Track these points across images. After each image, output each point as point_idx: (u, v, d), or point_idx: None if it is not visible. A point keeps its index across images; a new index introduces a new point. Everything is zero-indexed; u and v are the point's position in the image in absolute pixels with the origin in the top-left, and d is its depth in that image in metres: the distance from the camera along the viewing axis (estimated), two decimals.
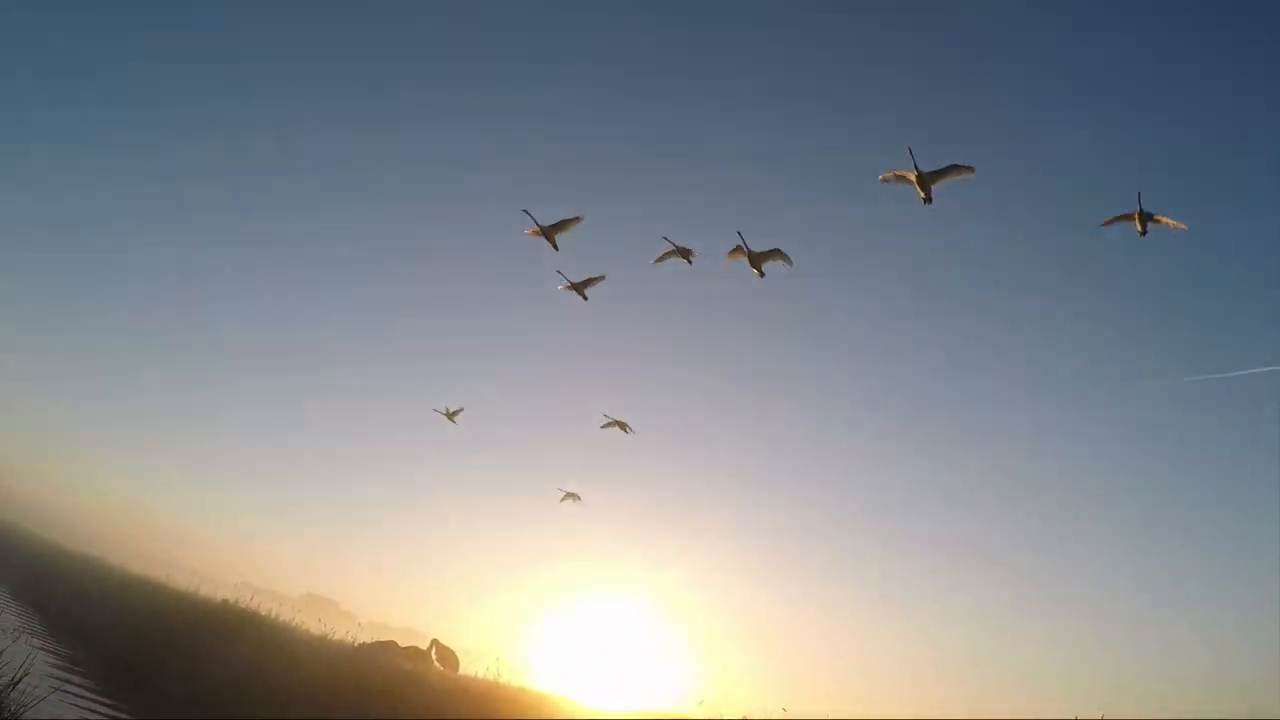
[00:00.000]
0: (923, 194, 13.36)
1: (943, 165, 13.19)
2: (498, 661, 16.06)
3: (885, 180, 13.54)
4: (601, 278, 15.32)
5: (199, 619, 18.49)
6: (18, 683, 3.91)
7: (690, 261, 15.08)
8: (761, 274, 15.28)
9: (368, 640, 18.16)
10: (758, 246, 14.95)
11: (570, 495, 20.25)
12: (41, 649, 12.56)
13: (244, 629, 17.37)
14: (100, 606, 22.86)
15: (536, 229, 13.96)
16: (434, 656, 18.00)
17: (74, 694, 11.48)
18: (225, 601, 19.93)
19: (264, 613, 19.12)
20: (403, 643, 19.15)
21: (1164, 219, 12.75)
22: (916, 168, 13.15)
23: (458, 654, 18.72)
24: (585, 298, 15.59)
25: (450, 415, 19.28)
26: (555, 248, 14.15)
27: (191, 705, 13.19)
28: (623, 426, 18.69)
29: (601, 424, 19.37)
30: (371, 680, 13.29)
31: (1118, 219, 13.37)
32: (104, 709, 11.47)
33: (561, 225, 14.01)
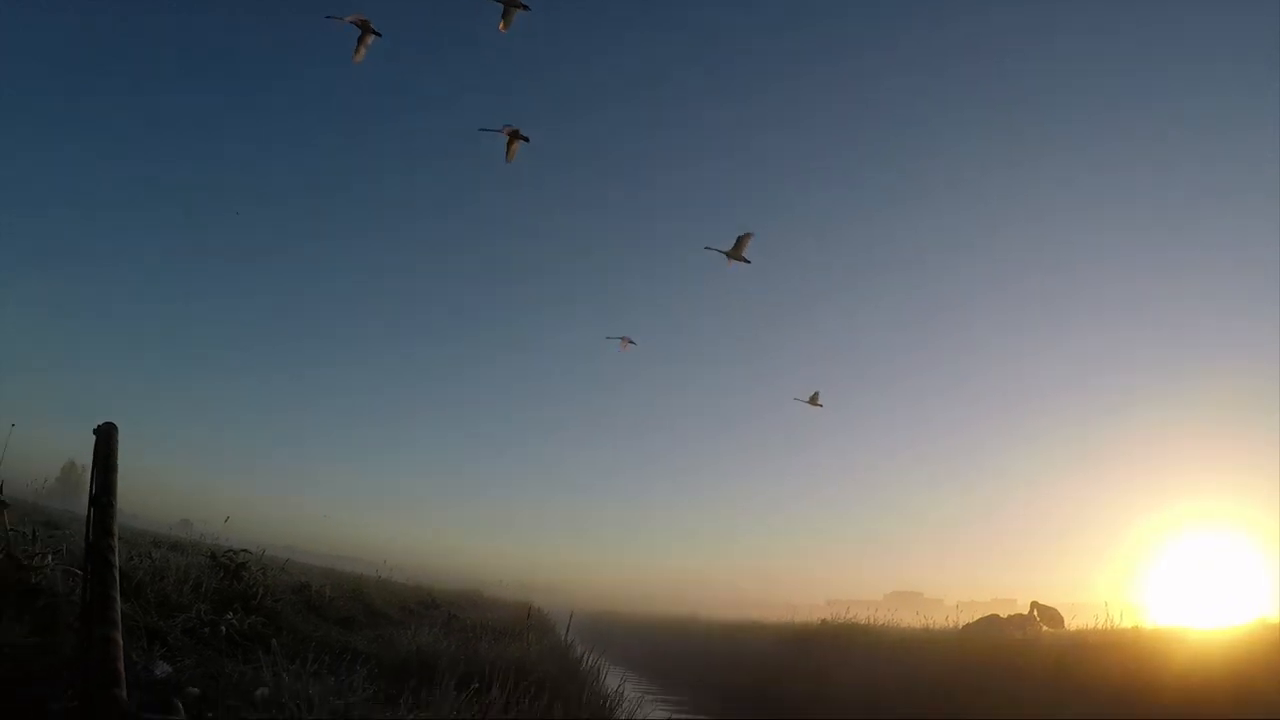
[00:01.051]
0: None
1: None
2: (1106, 607, 14.80)
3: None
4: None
5: (805, 641, 18.93)
6: None
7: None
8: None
9: (969, 620, 17.50)
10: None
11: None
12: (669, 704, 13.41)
13: (852, 638, 17.48)
14: (701, 656, 24.28)
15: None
16: (1037, 617, 17.07)
17: None
18: (823, 621, 20.14)
19: (862, 620, 19.11)
20: (1002, 614, 18.38)
21: None
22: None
23: (1060, 610, 17.63)
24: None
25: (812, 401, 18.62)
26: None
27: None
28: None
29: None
30: (989, 654, 12.86)
31: None
32: None
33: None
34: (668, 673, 22.28)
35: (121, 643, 0.73)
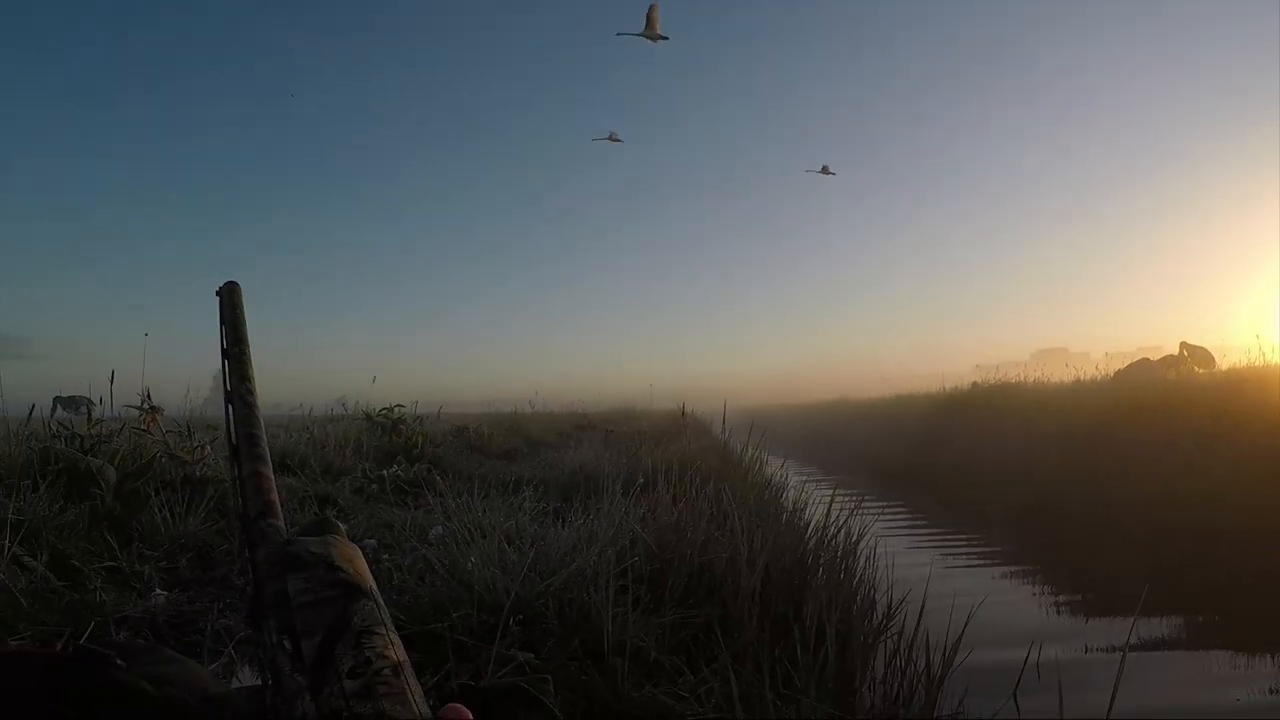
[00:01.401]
0: None
1: None
2: (1258, 340, 14.14)
3: None
4: None
5: (956, 408, 18.63)
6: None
7: None
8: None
9: (1120, 367, 16.97)
10: None
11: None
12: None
13: (1004, 399, 17.09)
14: (852, 437, 24.35)
15: None
16: (1187, 357, 16.45)
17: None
18: (974, 385, 19.71)
19: (1012, 380, 18.68)
20: (1151, 358, 17.79)
21: None
22: None
23: (1209, 349, 16.96)
24: None
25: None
26: None
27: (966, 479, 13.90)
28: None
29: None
30: (1142, 397, 12.48)
31: None
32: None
33: None
34: (820, 456, 22.42)
35: (272, 476, 0.69)
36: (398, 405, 10.38)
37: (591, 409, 25.11)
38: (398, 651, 0.64)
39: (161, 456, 5.05)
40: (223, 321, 0.99)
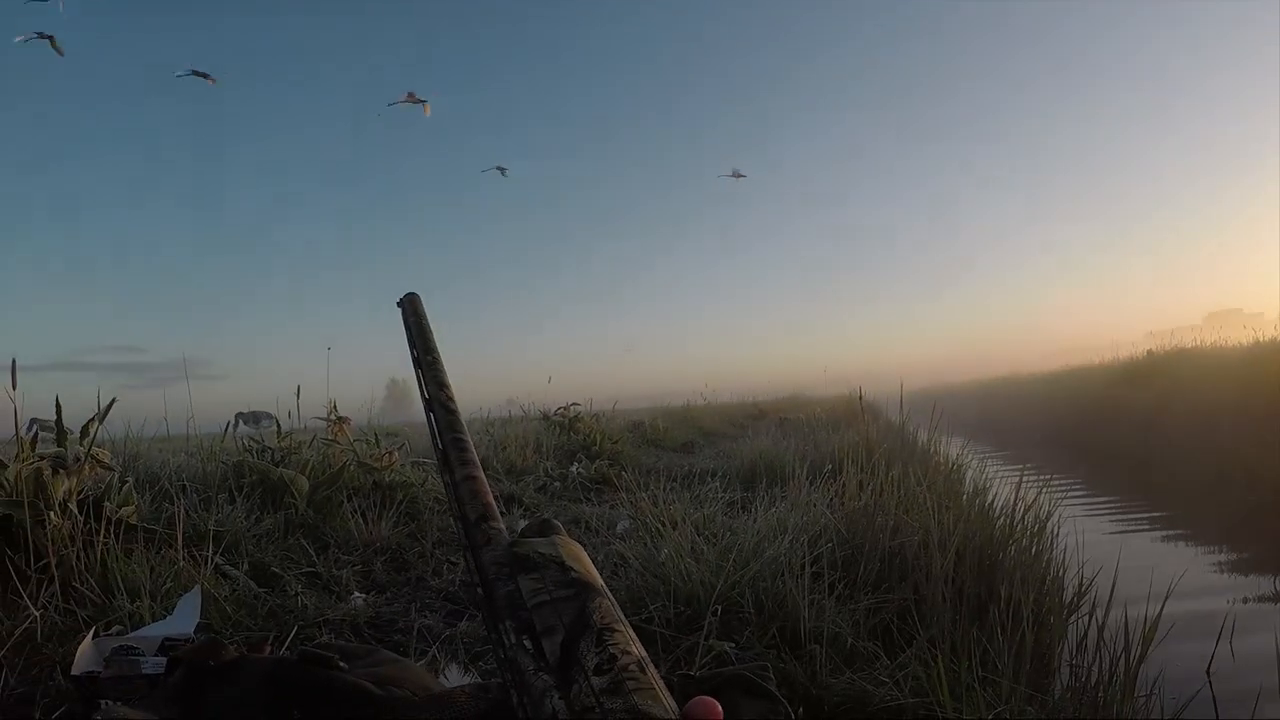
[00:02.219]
0: None
1: None
2: None
3: None
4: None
5: (1132, 376, 17.95)
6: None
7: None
8: None
9: None
10: None
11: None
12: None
13: (1180, 365, 16.41)
14: (1023, 411, 23.78)
15: None
16: None
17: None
18: (1149, 352, 18.96)
19: (1189, 346, 17.89)
20: None
21: None
22: None
23: None
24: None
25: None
26: None
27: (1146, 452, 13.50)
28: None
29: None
30: None
31: None
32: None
33: None
34: (992, 434, 22.02)
35: (485, 480, 0.69)
36: (573, 404, 10.49)
37: (762, 397, 25.09)
38: (639, 648, 0.66)
39: (351, 465, 5.17)
40: (409, 331, 1.01)
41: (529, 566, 0.70)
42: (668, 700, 0.60)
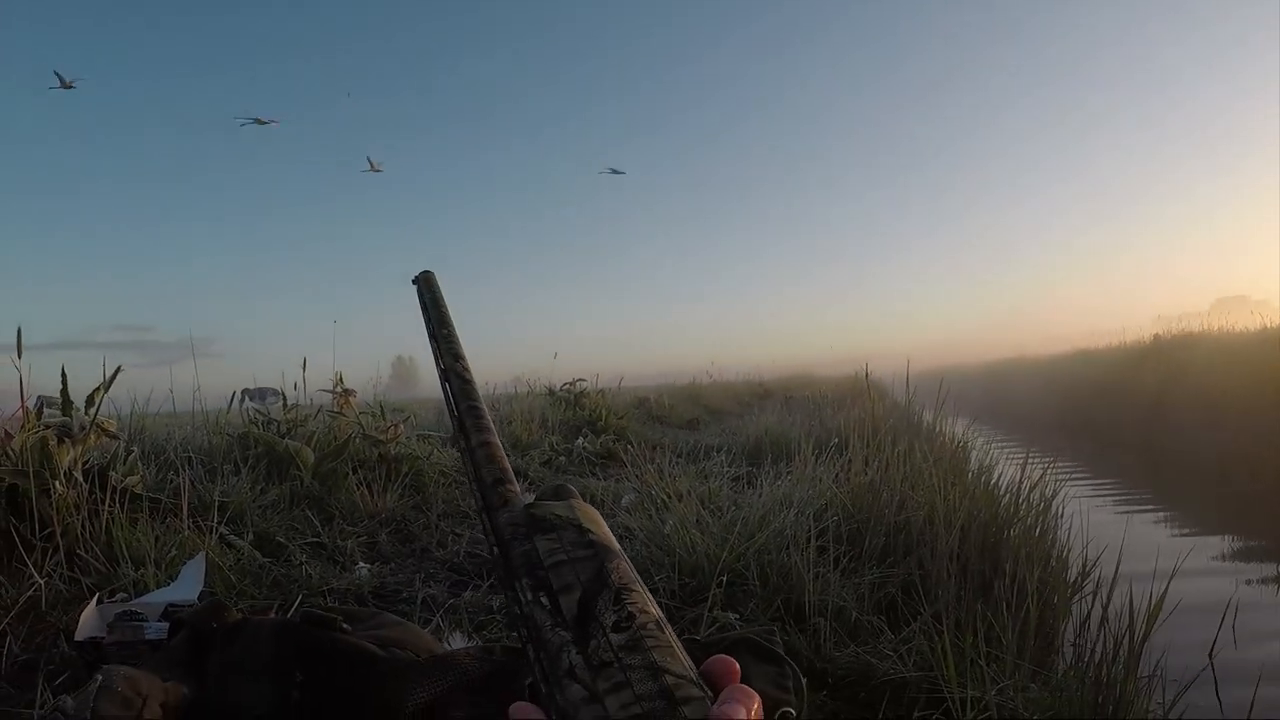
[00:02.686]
0: None
1: None
2: None
3: None
4: None
5: (1138, 360, 17.91)
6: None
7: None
8: None
9: None
10: None
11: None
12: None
13: (1186, 350, 16.35)
14: (1032, 394, 23.84)
15: None
16: None
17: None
18: (1155, 337, 18.91)
19: (1195, 330, 17.86)
20: None
21: None
22: None
23: None
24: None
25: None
26: None
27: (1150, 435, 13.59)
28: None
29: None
30: None
31: None
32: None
33: None
34: (1000, 415, 22.06)
35: (500, 445, 0.68)
36: (579, 379, 10.51)
37: (768, 376, 25.14)
38: (655, 608, 0.65)
39: (356, 437, 5.18)
40: (424, 306, 1.01)
41: (545, 528, 0.70)
42: (685, 659, 0.60)
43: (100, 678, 1.35)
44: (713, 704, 0.59)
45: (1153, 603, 2.83)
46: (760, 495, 4.07)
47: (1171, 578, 2.88)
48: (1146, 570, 2.94)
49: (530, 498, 0.77)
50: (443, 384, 0.91)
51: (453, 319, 0.99)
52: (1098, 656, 2.78)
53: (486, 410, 0.85)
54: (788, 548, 3.30)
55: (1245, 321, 17.22)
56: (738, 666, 0.62)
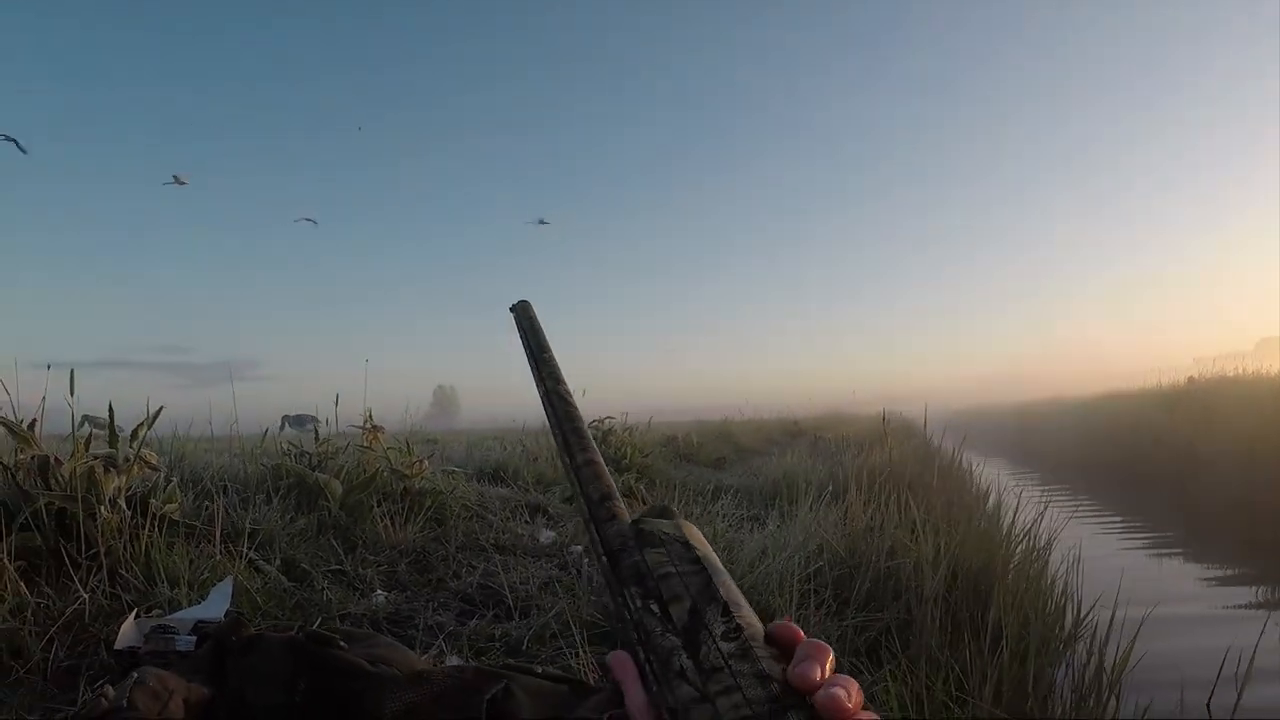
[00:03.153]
0: None
1: None
2: None
3: None
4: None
5: (1172, 403, 17.64)
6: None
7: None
8: None
9: None
10: None
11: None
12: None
13: (1221, 393, 16.11)
14: (1065, 436, 23.44)
15: None
16: None
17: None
18: (1190, 379, 18.65)
19: (1230, 374, 17.61)
20: None
21: None
22: None
23: None
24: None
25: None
26: None
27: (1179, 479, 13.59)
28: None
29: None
30: None
31: None
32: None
33: None
34: (1031, 457, 21.87)
35: (604, 464, 0.76)
36: (608, 417, 10.67)
37: (802, 415, 25.05)
38: (760, 623, 0.69)
39: (383, 471, 5.41)
40: (523, 334, 1.09)
41: (654, 542, 0.74)
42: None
43: (136, 675, 1.63)
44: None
45: (1123, 661, 2.98)
46: (755, 538, 4.24)
47: (1141, 625, 3.01)
48: (1157, 615, 3.04)
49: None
50: (546, 407, 0.99)
51: (550, 344, 1.09)
52: (1085, 711, 2.93)
53: (588, 430, 0.95)
54: (775, 589, 3.46)
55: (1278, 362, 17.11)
56: (801, 630, 0.67)
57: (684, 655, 0.64)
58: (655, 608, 0.69)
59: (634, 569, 0.73)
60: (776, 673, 0.62)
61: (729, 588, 0.70)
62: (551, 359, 1.03)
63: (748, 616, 0.68)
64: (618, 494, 0.83)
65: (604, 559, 0.77)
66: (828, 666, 0.61)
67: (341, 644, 1.92)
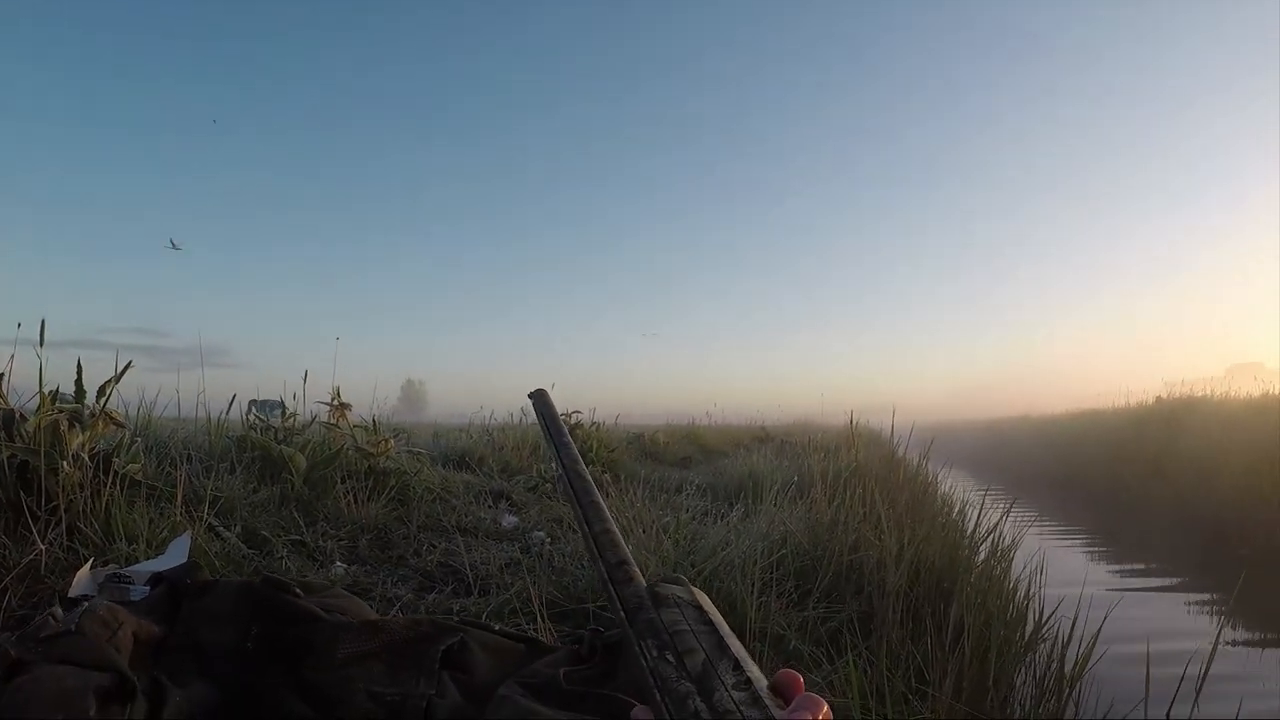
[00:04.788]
0: None
1: None
2: None
3: None
4: None
5: (1140, 423, 17.89)
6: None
7: None
8: None
9: None
10: None
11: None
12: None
13: (1187, 414, 16.34)
14: (1032, 453, 23.65)
15: None
16: None
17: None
18: (1158, 399, 18.90)
19: (1198, 395, 17.90)
20: None
21: None
22: None
23: None
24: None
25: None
26: None
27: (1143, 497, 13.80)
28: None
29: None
30: None
31: None
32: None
33: None
34: (999, 472, 21.88)
35: (618, 533, 0.79)
36: (575, 411, 10.67)
37: (771, 422, 25.14)
38: (766, 680, 0.74)
39: (349, 448, 5.40)
40: (541, 418, 1.18)
41: (667, 604, 0.79)
42: None
43: (87, 604, 1.62)
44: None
45: (1081, 663, 2.99)
46: (718, 527, 4.25)
47: (1099, 632, 3.03)
48: (1116, 631, 3.06)
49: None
50: (564, 484, 1.06)
51: (565, 428, 1.17)
52: (1042, 709, 2.94)
53: (604, 503, 1.02)
54: (737, 576, 3.46)
55: (1250, 387, 17.30)
56: (801, 679, 0.72)
57: (698, 699, 0.69)
58: (671, 658, 0.74)
59: (650, 624, 0.78)
60: None
61: (738, 646, 0.75)
62: (569, 441, 1.10)
63: (756, 672, 0.72)
64: (632, 560, 0.88)
65: (622, 614, 0.82)
66: (821, 716, 0.66)
67: (297, 590, 1.91)
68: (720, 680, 0.70)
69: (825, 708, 0.66)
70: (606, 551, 0.90)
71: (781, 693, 0.70)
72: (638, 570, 0.87)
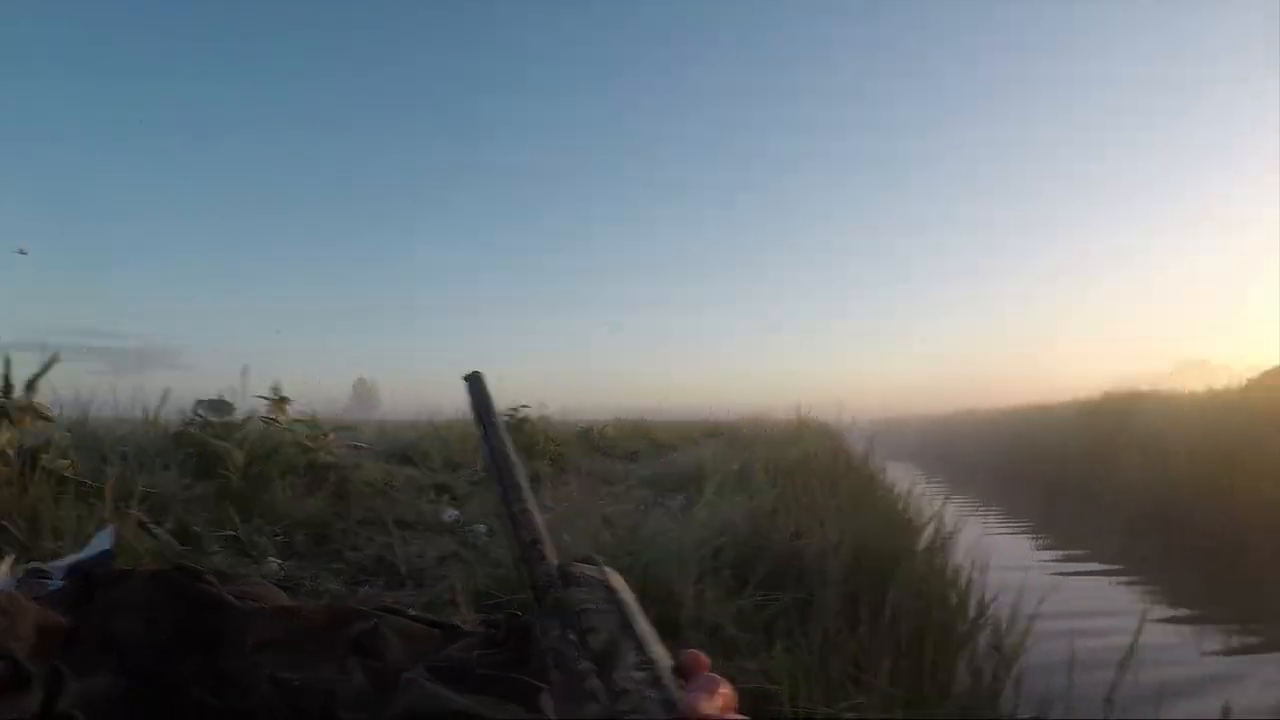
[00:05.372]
0: None
1: None
2: None
3: None
4: None
5: (1086, 417, 18.22)
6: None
7: None
8: None
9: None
10: None
11: None
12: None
13: (1132, 409, 16.65)
14: (978, 446, 24.04)
15: None
16: None
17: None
18: (1105, 394, 19.26)
19: (1144, 389, 18.29)
20: None
21: None
22: None
23: None
24: None
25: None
26: None
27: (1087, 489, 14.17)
28: None
29: None
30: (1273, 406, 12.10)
31: None
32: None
33: None
34: (945, 465, 22.14)
35: (538, 514, 0.79)
36: (523, 405, 10.63)
37: (723, 418, 25.24)
38: (671, 661, 0.71)
39: (287, 444, 5.36)
40: (474, 400, 1.16)
41: (578, 582, 0.78)
42: None
43: None
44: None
45: (1018, 644, 3.03)
46: (656, 516, 4.26)
47: (1032, 620, 3.08)
48: (1050, 614, 3.11)
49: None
50: (489, 463, 1.06)
51: (494, 408, 1.17)
52: (980, 694, 2.97)
53: (526, 485, 1.02)
54: (674, 566, 3.47)
55: (1194, 384, 17.59)
56: (706, 658, 0.69)
57: (595, 678, 0.67)
58: (573, 636, 0.72)
59: (556, 602, 0.77)
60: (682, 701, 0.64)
61: (644, 629, 0.72)
62: (497, 422, 1.10)
63: (660, 652, 0.70)
64: (547, 538, 0.87)
65: (532, 591, 0.81)
66: (718, 695, 0.63)
67: (209, 578, 1.89)
68: (622, 659, 0.68)
69: (726, 687, 0.64)
70: (522, 530, 0.89)
71: (685, 673, 0.68)
72: (552, 550, 0.86)
